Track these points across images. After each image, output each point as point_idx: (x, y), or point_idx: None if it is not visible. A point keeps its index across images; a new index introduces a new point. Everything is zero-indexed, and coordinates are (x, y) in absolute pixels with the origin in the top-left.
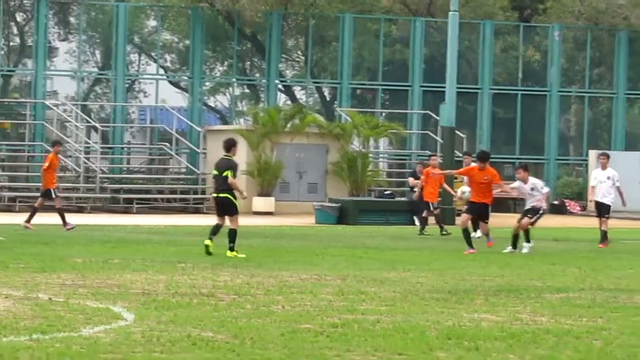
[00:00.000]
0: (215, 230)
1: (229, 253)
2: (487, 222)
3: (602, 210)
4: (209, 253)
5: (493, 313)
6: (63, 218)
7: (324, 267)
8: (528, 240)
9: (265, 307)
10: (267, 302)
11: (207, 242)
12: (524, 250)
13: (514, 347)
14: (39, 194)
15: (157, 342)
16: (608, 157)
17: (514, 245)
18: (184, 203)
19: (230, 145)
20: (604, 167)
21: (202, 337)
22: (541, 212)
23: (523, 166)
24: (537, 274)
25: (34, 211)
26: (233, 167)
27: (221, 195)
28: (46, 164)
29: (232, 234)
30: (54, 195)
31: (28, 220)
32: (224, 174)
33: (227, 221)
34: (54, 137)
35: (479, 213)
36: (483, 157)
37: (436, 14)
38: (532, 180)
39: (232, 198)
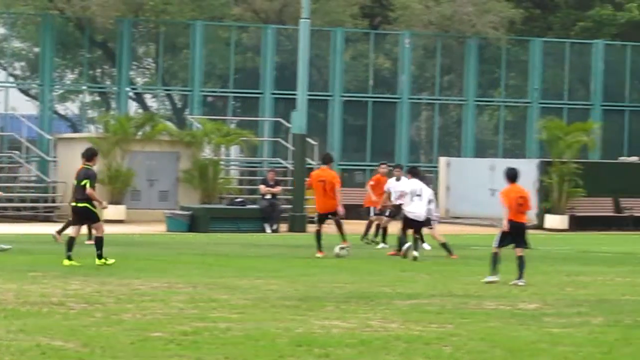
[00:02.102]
0: (70, 245)
1: (98, 261)
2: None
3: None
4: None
5: (344, 320)
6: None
7: (175, 274)
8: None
9: (115, 315)
10: (117, 310)
11: (67, 263)
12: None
13: (364, 353)
14: None
15: (6, 351)
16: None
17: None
18: (34, 211)
19: (91, 155)
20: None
21: (52, 346)
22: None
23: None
24: (387, 280)
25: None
26: (91, 176)
27: (80, 205)
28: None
29: (99, 242)
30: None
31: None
32: (82, 183)
33: (93, 230)
34: None
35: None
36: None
37: (287, 21)
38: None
39: (90, 207)
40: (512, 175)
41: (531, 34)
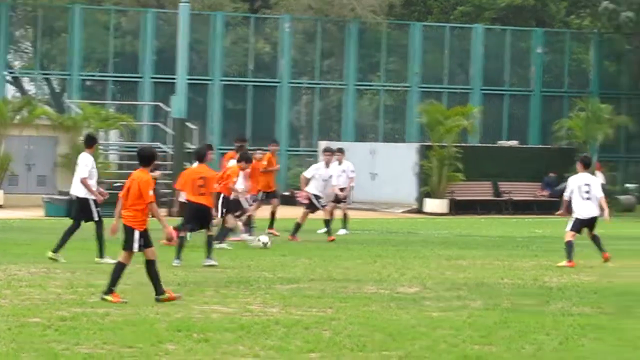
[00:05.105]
0: None
1: None
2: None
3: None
4: None
5: (223, 305)
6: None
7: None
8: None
9: None
10: None
11: None
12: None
13: (244, 338)
14: None
15: None
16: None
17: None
18: None
19: None
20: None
21: None
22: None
23: None
24: (267, 265)
25: None
26: None
27: None
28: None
29: None
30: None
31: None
32: None
33: None
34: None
35: None
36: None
37: (166, 5)
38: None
39: None
40: (198, 155)
41: (411, 18)
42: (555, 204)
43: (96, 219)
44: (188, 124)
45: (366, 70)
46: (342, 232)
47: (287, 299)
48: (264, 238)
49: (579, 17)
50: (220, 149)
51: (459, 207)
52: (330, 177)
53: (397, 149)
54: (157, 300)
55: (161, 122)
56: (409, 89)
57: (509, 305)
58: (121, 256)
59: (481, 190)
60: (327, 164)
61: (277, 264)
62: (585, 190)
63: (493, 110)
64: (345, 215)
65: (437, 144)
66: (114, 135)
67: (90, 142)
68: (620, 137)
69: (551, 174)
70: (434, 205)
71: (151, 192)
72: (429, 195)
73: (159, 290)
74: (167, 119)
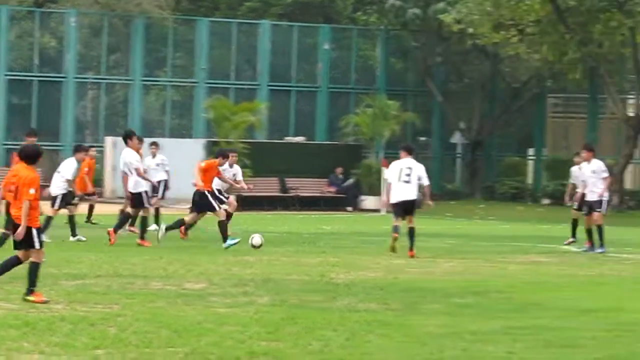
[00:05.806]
0: None
1: None
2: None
3: None
4: None
5: (8, 301)
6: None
7: None
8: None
9: None
10: None
11: None
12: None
13: (28, 334)
14: None
15: None
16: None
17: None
18: None
19: None
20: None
21: None
22: None
23: None
24: (53, 261)
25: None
26: None
27: None
28: None
29: None
30: None
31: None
32: None
33: None
34: None
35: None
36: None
37: None
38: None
39: None
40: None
41: (198, 14)
42: (341, 200)
43: None
44: None
45: (153, 65)
46: (152, 227)
47: (72, 295)
48: (257, 239)
49: (365, 14)
50: (5, 145)
51: (245, 203)
52: (234, 175)
53: (183, 145)
54: None
55: None
56: (195, 85)
57: (296, 301)
58: (32, 256)
59: (268, 186)
60: (232, 165)
61: (63, 259)
62: (406, 174)
63: (280, 106)
64: (157, 210)
65: (224, 139)
66: None
67: None
68: (407, 134)
69: (338, 170)
70: None
71: (32, 191)
72: None
73: None
74: None
